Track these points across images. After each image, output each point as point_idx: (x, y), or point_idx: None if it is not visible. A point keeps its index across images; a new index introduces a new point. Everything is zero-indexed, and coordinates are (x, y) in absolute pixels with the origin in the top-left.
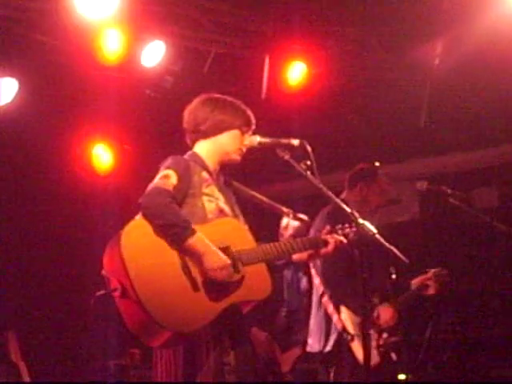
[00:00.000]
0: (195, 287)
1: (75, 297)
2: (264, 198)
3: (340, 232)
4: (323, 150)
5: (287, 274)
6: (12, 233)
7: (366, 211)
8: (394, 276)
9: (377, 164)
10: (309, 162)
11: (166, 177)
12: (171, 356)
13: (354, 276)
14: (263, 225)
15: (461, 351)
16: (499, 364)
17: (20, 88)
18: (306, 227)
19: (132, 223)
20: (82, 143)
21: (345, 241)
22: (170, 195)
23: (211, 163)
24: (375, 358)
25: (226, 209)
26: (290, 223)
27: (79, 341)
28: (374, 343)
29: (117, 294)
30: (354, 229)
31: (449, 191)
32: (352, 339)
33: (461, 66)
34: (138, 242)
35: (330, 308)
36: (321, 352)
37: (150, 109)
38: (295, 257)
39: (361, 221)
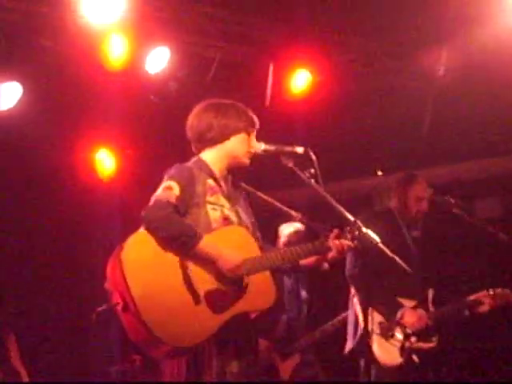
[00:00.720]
0: (197, 300)
1: (77, 301)
2: (272, 201)
3: (348, 236)
4: (327, 157)
5: (287, 282)
6: (14, 237)
7: (407, 218)
8: None
9: (379, 173)
10: (313, 170)
11: (169, 188)
12: (175, 366)
13: (379, 276)
14: (267, 228)
15: (461, 361)
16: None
17: (24, 92)
18: (303, 234)
19: (133, 236)
20: (85, 148)
21: (351, 244)
22: (172, 207)
23: (218, 169)
24: (397, 359)
25: (232, 216)
26: (282, 232)
27: (81, 346)
28: (397, 343)
29: (119, 307)
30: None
31: (452, 201)
32: (370, 337)
33: (465, 75)
34: (139, 256)
35: (358, 308)
36: (349, 351)
37: (154, 115)
38: (303, 262)
39: (364, 229)
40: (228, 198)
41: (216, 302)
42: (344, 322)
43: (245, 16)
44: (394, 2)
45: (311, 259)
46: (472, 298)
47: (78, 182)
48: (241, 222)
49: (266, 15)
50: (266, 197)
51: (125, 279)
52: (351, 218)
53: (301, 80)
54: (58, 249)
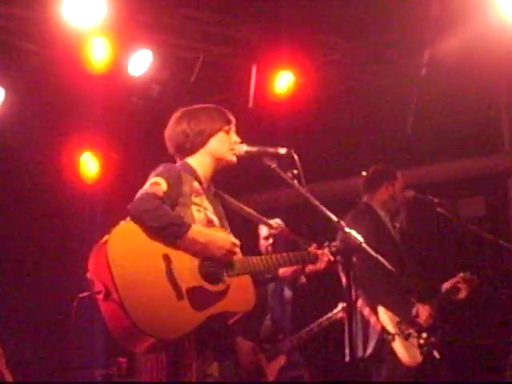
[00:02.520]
0: (179, 295)
1: (61, 305)
2: (252, 211)
3: (327, 250)
4: (310, 158)
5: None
6: None
7: (393, 209)
8: None
9: (363, 173)
10: (296, 171)
11: (156, 184)
12: (155, 366)
13: (387, 276)
14: (247, 237)
15: (450, 360)
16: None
17: (7, 96)
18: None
19: (120, 226)
20: (68, 151)
21: (332, 258)
22: (159, 198)
23: (203, 173)
24: (418, 358)
25: (215, 219)
26: (261, 228)
27: (65, 350)
28: (415, 342)
29: (100, 296)
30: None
31: (435, 200)
32: (393, 339)
33: (448, 75)
34: (125, 246)
35: (366, 311)
36: (361, 358)
37: (137, 117)
38: (281, 272)
39: (347, 229)
40: (211, 202)
41: (198, 299)
42: (330, 322)
43: (227, 17)
44: (377, 3)
45: (289, 270)
46: (447, 285)
47: (62, 184)
48: (222, 227)
49: (249, 16)
50: (245, 206)
51: (109, 267)
52: (334, 218)
53: (284, 81)
54: (42, 251)
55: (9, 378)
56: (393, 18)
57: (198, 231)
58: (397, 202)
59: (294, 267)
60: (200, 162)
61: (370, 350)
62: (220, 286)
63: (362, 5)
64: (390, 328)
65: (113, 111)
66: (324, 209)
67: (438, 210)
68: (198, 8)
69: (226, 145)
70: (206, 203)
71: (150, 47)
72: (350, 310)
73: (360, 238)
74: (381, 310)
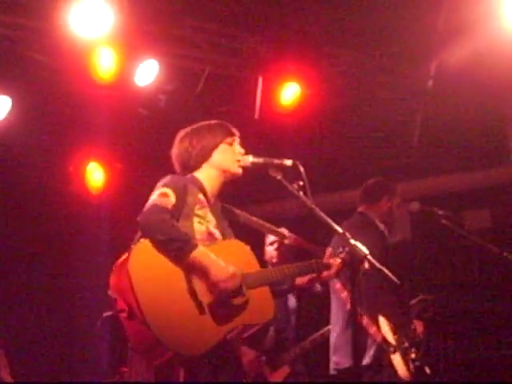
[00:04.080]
0: (201, 310)
1: (66, 314)
2: (262, 222)
3: (340, 256)
4: (316, 170)
5: None
6: (3, 249)
7: (388, 223)
8: None
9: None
10: (301, 183)
11: (165, 195)
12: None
13: (390, 288)
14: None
15: (452, 372)
16: None
17: (13, 106)
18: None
19: (140, 244)
20: (74, 161)
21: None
22: (168, 212)
23: (210, 187)
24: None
25: (217, 233)
26: (267, 249)
27: (70, 359)
28: (409, 356)
29: (124, 315)
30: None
31: (441, 212)
32: (394, 351)
33: (454, 87)
34: (146, 264)
35: (365, 320)
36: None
37: (143, 127)
38: (298, 281)
39: (352, 241)
40: (216, 216)
41: (219, 313)
42: None
43: (234, 29)
44: (384, 14)
45: (305, 279)
46: (414, 302)
47: (68, 193)
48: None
49: (255, 28)
50: (256, 219)
51: (132, 287)
52: (339, 230)
53: (290, 93)
54: (48, 260)
55: None
56: (399, 29)
57: (203, 253)
58: (393, 217)
59: (309, 276)
60: (206, 175)
61: (367, 360)
62: (240, 299)
63: (368, 16)
64: (392, 340)
65: (119, 121)
66: (329, 220)
67: (444, 222)
68: (204, 19)
69: (229, 156)
70: (210, 216)
71: (156, 58)
72: (355, 319)
73: (365, 249)
74: (383, 321)
